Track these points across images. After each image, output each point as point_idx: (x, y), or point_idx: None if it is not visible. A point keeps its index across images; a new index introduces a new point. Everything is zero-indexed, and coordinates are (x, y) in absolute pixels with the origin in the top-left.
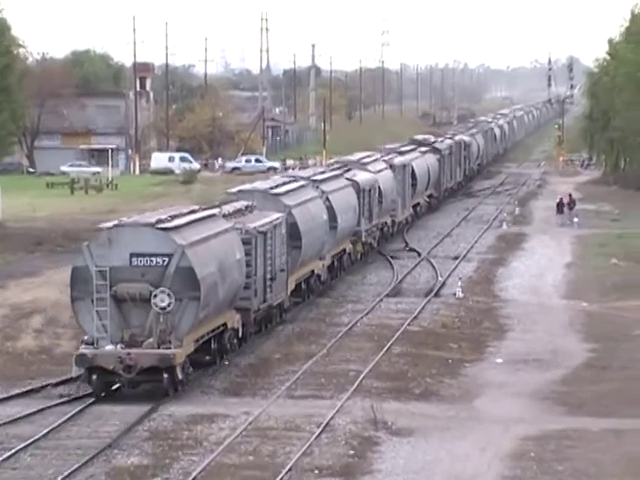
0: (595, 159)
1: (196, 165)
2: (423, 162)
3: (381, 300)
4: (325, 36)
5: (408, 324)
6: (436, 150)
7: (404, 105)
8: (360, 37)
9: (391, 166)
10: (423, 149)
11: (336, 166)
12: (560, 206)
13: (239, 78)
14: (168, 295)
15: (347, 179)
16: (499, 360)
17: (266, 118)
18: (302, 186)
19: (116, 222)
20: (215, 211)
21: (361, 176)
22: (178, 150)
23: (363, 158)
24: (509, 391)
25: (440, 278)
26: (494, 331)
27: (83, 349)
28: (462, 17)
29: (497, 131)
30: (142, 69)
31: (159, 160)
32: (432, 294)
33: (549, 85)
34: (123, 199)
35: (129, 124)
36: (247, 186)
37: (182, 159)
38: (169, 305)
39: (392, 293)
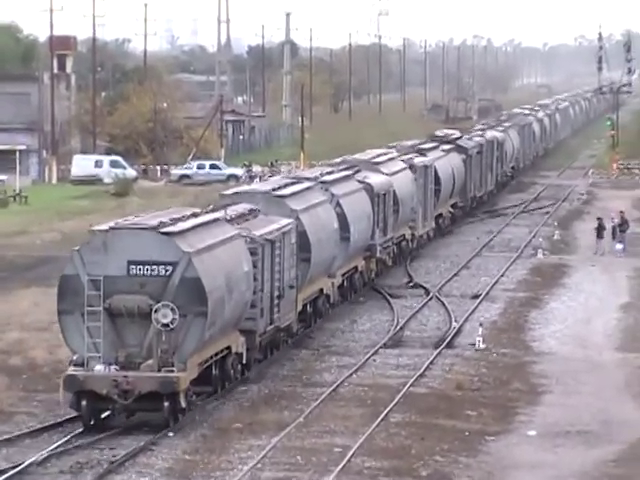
0: None
1: (132, 172)
2: (447, 163)
3: (376, 352)
4: (304, 2)
5: (412, 384)
6: (461, 149)
7: (408, 94)
8: (350, 3)
9: (411, 167)
10: (446, 147)
11: (343, 166)
12: (600, 229)
13: (190, 57)
14: (172, 310)
15: (359, 181)
16: (532, 433)
17: (225, 110)
18: (309, 188)
19: (112, 224)
20: (219, 215)
21: (375, 178)
22: (108, 152)
23: (375, 157)
24: (546, 474)
25: (455, 323)
26: (525, 394)
27: (72, 371)
28: None
29: (536, 127)
30: (61, 45)
31: (82, 165)
32: (444, 345)
33: (599, 69)
34: (35, 216)
35: (43, 118)
36: (246, 187)
37: (113, 164)
38: (172, 321)
39: (391, 343)
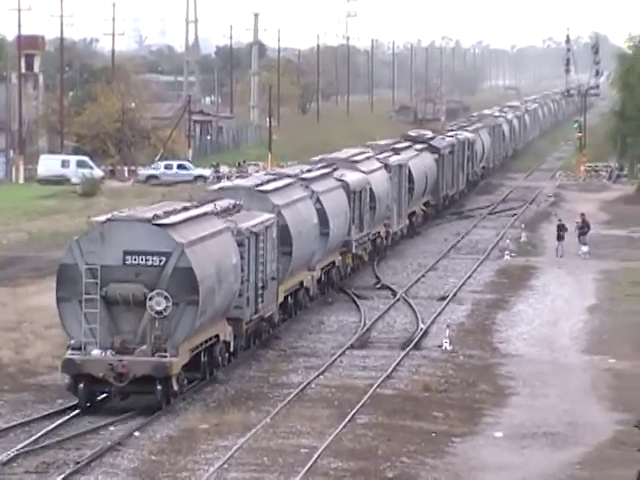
0: (627, 169)
1: (99, 172)
2: (420, 162)
3: (343, 353)
4: (273, 3)
5: (379, 386)
6: (434, 149)
7: (376, 96)
8: (318, 4)
9: (386, 166)
10: (419, 147)
11: (321, 164)
12: (560, 231)
13: (157, 58)
14: (165, 298)
15: (336, 179)
16: (499, 434)
17: (193, 111)
18: (290, 184)
19: (109, 216)
20: (209, 208)
21: (351, 176)
22: (76, 152)
23: (353, 155)
24: (512, 476)
25: (422, 325)
26: (492, 396)
27: (70, 354)
28: None
29: (506, 127)
30: (29, 44)
31: (49, 165)
32: (411, 346)
33: (567, 71)
34: (2, 216)
35: (10, 117)
36: (229, 183)
37: (80, 164)
38: (166, 309)
39: (358, 344)
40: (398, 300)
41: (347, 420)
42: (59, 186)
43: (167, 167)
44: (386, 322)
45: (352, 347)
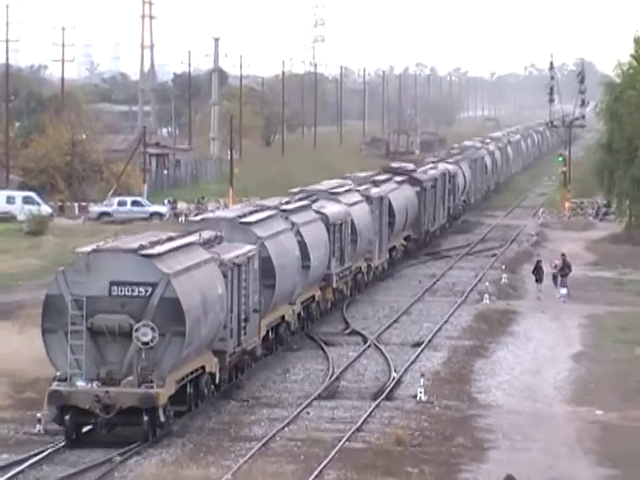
0: (615, 206)
1: (47, 209)
2: (400, 195)
3: (310, 404)
4: (234, 27)
5: (348, 439)
6: (415, 181)
7: (345, 127)
8: (284, 30)
9: (367, 198)
10: (399, 179)
11: (300, 196)
12: (537, 272)
13: (110, 85)
14: (152, 329)
15: (315, 211)
16: None
17: (149, 143)
18: (271, 216)
19: (94, 247)
20: (194, 239)
21: (331, 208)
22: (22, 187)
23: (333, 188)
24: None
25: (394, 374)
26: (470, 450)
27: (57, 386)
28: (428, 5)
29: (488, 160)
30: None
31: None
32: (383, 396)
33: (551, 100)
34: None
35: None
36: (210, 214)
37: (26, 200)
38: (152, 340)
39: (326, 394)
40: (369, 347)
41: (314, 476)
42: (4, 224)
43: (120, 203)
44: (356, 370)
45: (319, 397)
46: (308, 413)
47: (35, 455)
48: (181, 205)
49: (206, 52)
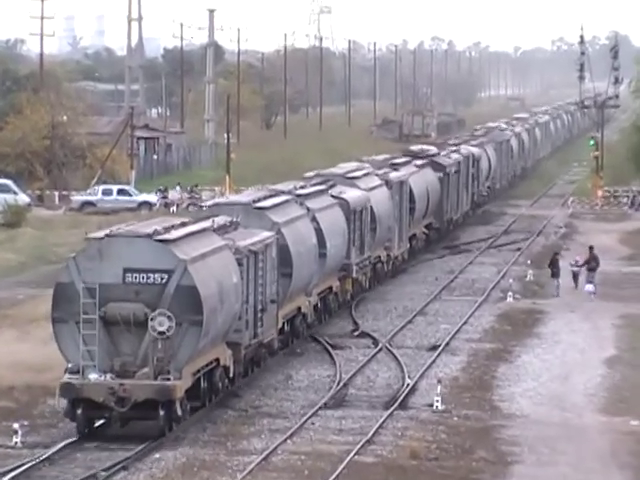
0: None
1: (24, 198)
2: (421, 179)
3: (315, 414)
4: None
5: (357, 452)
6: (437, 166)
7: (354, 107)
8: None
9: (387, 182)
10: (419, 162)
11: (316, 180)
12: (554, 265)
13: (94, 62)
14: (168, 318)
15: (333, 196)
16: None
17: (136, 125)
18: (287, 201)
19: (107, 232)
20: (207, 224)
21: (351, 194)
22: None
23: (350, 171)
24: None
25: (408, 380)
26: (492, 464)
27: (69, 378)
28: None
29: (514, 142)
30: None
31: None
32: (396, 405)
33: (581, 78)
34: None
35: None
36: (224, 199)
37: (1, 188)
38: (169, 329)
39: (333, 403)
40: (380, 350)
41: None
42: None
43: (106, 192)
44: (366, 377)
45: (325, 406)
46: (313, 424)
47: (11, 470)
48: (173, 194)
49: (200, 25)
